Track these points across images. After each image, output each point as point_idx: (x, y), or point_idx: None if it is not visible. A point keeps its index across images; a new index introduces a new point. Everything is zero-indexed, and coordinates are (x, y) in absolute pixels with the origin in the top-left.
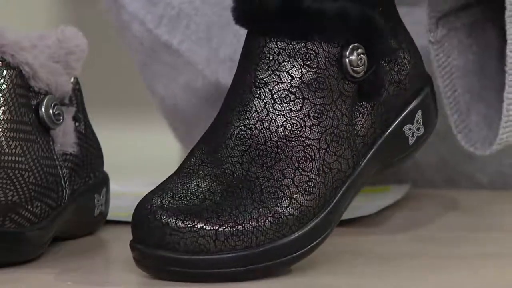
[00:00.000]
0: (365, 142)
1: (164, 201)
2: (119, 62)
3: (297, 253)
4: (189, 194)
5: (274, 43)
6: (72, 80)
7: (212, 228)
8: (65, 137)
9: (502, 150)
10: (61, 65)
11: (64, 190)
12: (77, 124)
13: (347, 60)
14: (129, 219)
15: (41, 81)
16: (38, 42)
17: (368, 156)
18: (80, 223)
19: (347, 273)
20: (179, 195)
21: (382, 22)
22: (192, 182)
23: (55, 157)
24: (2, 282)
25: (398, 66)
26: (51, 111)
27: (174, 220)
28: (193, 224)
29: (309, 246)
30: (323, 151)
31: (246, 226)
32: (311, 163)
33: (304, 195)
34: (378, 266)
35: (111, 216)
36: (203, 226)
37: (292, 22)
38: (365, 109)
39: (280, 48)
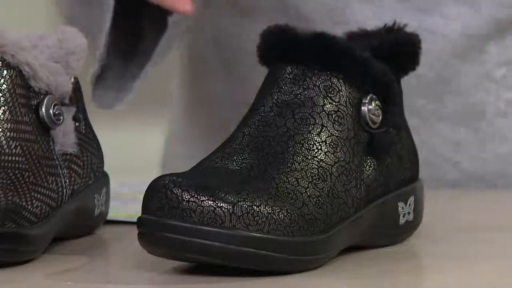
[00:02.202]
0: (369, 192)
1: (180, 178)
2: None
3: (292, 257)
4: (206, 176)
5: (300, 70)
6: (72, 80)
7: (231, 201)
8: (65, 137)
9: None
10: (61, 65)
11: (64, 190)
12: (77, 124)
13: (366, 108)
14: (128, 219)
15: (41, 81)
16: (39, 42)
17: (368, 207)
18: (80, 223)
19: (352, 273)
20: (196, 176)
21: (398, 91)
22: (209, 171)
23: (55, 157)
24: (2, 282)
25: (401, 144)
26: (51, 111)
27: (191, 190)
28: (212, 194)
29: (309, 257)
30: (335, 178)
31: (262, 210)
32: (323, 183)
33: (315, 206)
34: (385, 265)
35: (110, 216)
36: (222, 197)
37: (321, 54)
38: (372, 163)
39: (306, 76)
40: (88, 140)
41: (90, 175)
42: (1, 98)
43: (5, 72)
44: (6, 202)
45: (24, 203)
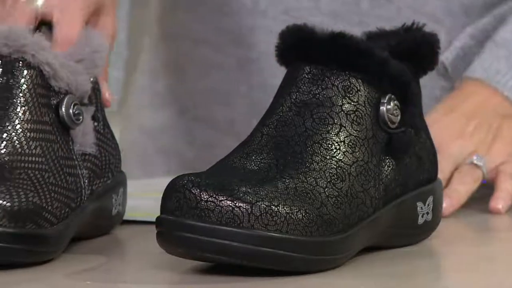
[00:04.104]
0: (387, 192)
1: (199, 178)
2: None
3: (310, 257)
4: (224, 176)
5: (319, 70)
6: (91, 79)
7: (249, 200)
8: (85, 137)
9: None
10: (86, 63)
11: (83, 191)
12: (96, 124)
13: (384, 108)
14: (145, 218)
15: (61, 81)
16: None
17: (387, 207)
18: (98, 223)
19: (370, 273)
20: (215, 176)
21: (417, 91)
22: (227, 171)
23: (74, 157)
24: (23, 282)
25: (420, 145)
26: (71, 110)
27: (209, 190)
28: (231, 194)
29: (328, 257)
30: (353, 178)
31: (280, 210)
32: (342, 183)
33: (333, 206)
34: (404, 265)
35: (126, 216)
36: (241, 197)
37: (339, 54)
38: (391, 163)
39: (325, 76)
40: (106, 140)
41: (108, 175)
42: (22, 98)
43: (25, 72)
44: (27, 203)
45: (44, 204)
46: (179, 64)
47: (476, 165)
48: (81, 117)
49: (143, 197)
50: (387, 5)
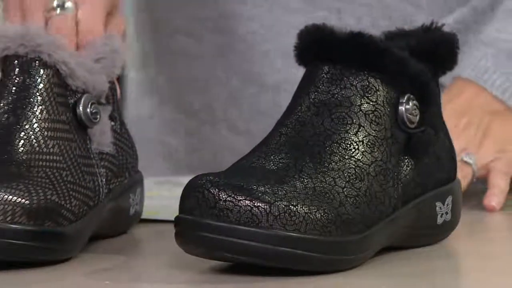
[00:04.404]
0: (406, 192)
1: (217, 178)
2: None
3: (328, 257)
4: (243, 176)
5: (337, 70)
6: (109, 79)
7: (268, 200)
8: (102, 136)
9: None
10: (105, 62)
11: (101, 189)
12: (113, 123)
13: (403, 107)
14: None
15: (78, 80)
16: None
17: (406, 207)
18: (116, 222)
19: (389, 273)
20: (233, 176)
21: (436, 91)
22: (246, 171)
23: (92, 156)
24: (42, 281)
25: (439, 145)
26: (88, 109)
27: (228, 190)
28: (249, 193)
29: (346, 257)
30: (372, 177)
31: (299, 209)
32: (360, 183)
33: (352, 206)
34: (423, 265)
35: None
36: (259, 196)
37: (358, 53)
38: (410, 163)
39: (344, 75)
40: (123, 140)
41: (125, 174)
42: (39, 97)
43: (42, 71)
44: (45, 201)
45: (63, 202)
46: (158, 55)
47: (466, 162)
48: (98, 116)
49: (147, 196)
50: None
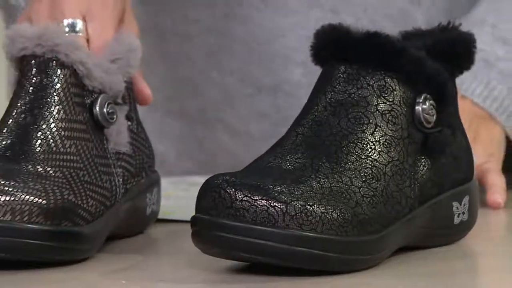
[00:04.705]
0: (423, 192)
1: (234, 177)
2: None
3: (345, 257)
4: (259, 176)
5: (354, 69)
6: (125, 79)
7: (284, 200)
8: (119, 136)
9: None
10: (121, 62)
11: (118, 189)
12: (129, 123)
13: (420, 107)
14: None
15: (95, 80)
16: None
17: (423, 207)
18: (133, 222)
19: (406, 273)
20: (249, 176)
21: (453, 91)
22: (262, 171)
23: (108, 156)
24: (59, 280)
25: (456, 145)
26: (105, 109)
27: (244, 189)
28: (265, 193)
29: (363, 257)
30: (388, 177)
31: (315, 209)
32: (377, 183)
33: (368, 206)
34: (440, 265)
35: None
36: (276, 196)
37: (375, 53)
38: (426, 163)
39: (360, 75)
40: (140, 140)
41: (142, 174)
42: (56, 97)
43: (59, 71)
44: (62, 201)
45: (79, 202)
46: (147, 58)
47: None
48: (115, 116)
49: (163, 196)
50: None
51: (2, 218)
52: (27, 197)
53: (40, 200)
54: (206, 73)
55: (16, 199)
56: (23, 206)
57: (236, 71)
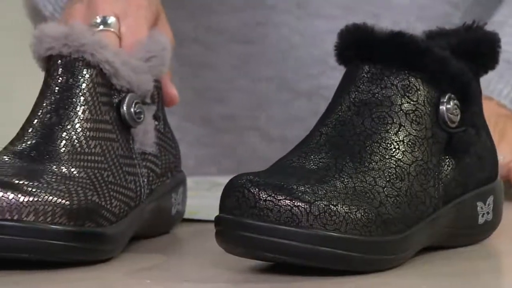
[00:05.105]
0: (447, 191)
1: (257, 177)
2: None
3: (369, 257)
4: (283, 175)
5: (378, 69)
6: (154, 78)
7: (308, 200)
8: (145, 136)
9: None
10: (156, 60)
11: (142, 190)
12: (156, 123)
13: (444, 107)
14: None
15: (122, 79)
16: None
17: (447, 207)
18: (158, 223)
19: (430, 273)
20: (273, 176)
21: (477, 91)
22: (286, 171)
23: (134, 156)
24: (83, 280)
25: (480, 144)
26: (132, 109)
27: (268, 189)
28: (289, 193)
29: (387, 257)
30: (412, 177)
31: (339, 209)
32: (401, 183)
33: (392, 206)
34: (464, 265)
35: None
36: (299, 196)
37: (399, 53)
38: (451, 163)
39: (384, 75)
40: (166, 140)
41: (168, 174)
42: (81, 97)
43: (85, 71)
44: (86, 202)
45: (103, 203)
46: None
47: None
48: (142, 116)
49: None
50: None
51: (25, 218)
52: (51, 197)
53: (64, 201)
54: (232, 81)
55: (40, 199)
56: (46, 207)
57: (270, 77)
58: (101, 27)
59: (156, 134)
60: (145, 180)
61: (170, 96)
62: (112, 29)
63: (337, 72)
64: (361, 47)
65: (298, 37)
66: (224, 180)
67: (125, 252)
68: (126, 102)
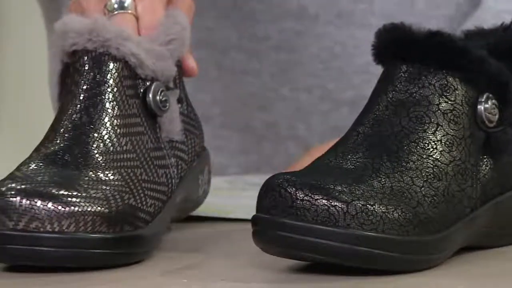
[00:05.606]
0: (485, 191)
1: (294, 177)
2: None
3: (406, 257)
4: (319, 175)
5: (416, 69)
6: (176, 59)
7: (345, 199)
8: (172, 124)
9: None
10: (177, 42)
11: (173, 181)
12: (180, 105)
13: (482, 106)
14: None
15: (147, 69)
16: None
17: (485, 207)
18: (186, 206)
19: (468, 273)
20: (310, 175)
21: None
22: (322, 170)
23: (162, 146)
24: (120, 280)
25: None
26: (158, 97)
27: (305, 189)
28: (326, 193)
29: (424, 257)
30: (450, 177)
31: (376, 209)
32: (439, 182)
33: (430, 206)
34: (503, 265)
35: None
36: (336, 196)
37: (437, 52)
38: (489, 162)
39: (422, 75)
40: (190, 121)
41: (194, 158)
42: (110, 94)
43: (111, 65)
44: (123, 206)
45: (139, 205)
46: (203, 71)
47: None
48: (167, 104)
49: (216, 195)
50: (445, 2)
51: (66, 230)
52: (90, 208)
53: (102, 208)
54: (274, 90)
55: (80, 210)
56: (86, 217)
57: (311, 87)
58: (118, 9)
59: (181, 118)
60: (175, 170)
61: (189, 68)
62: (129, 11)
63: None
64: (399, 47)
65: (340, 47)
66: (258, 179)
67: (161, 251)
68: (152, 91)
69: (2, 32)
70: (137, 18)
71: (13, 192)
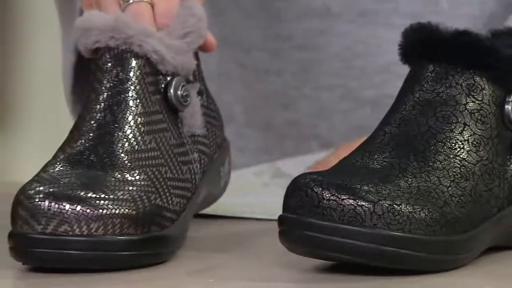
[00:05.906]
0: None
1: (321, 176)
2: None
3: (433, 256)
4: (346, 175)
5: (443, 68)
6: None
7: (372, 199)
8: (193, 119)
9: None
10: (193, 35)
11: (196, 176)
12: (200, 98)
13: (510, 106)
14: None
15: (168, 64)
16: None
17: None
18: (208, 199)
19: (495, 274)
20: (337, 175)
21: None
22: (349, 170)
23: (185, 141)
24: (145, 279)
25: None
26: (179, 92)
27: (331, 188)
28: (353, 192)
29: (451, 257)
30: (477, 177)
31: (403, 209)
32: (466, 182)
33: (456, 206)
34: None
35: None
36: (363, 195)
37: (464, 52)
38: None
39: (449, 74)
40: (210, 113)
41: (216, 150)
42: (133, 92)
43: (133, 62)
44: (150, 207)
45: (165, 204)
46: (225, 70)
47: None
48: (188, 99)
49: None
50: (469, 2)
51: (95, 233)
52: (117, 210)
53: (130, 211)
54: (296, 88)
55: (108, 212)
56: (114, 219)
57: (332, 86)
58: None
59: (202, 111)
60: (198, 165)
61: (209, 43)
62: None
63: (401, 81)
64: (425, 46)
65: (362, 46)
66: (285, 168)
67: (187, 251)
68: (173, 85)
69: (32, 30)
70: (152, 6)
71: (41, 196)
